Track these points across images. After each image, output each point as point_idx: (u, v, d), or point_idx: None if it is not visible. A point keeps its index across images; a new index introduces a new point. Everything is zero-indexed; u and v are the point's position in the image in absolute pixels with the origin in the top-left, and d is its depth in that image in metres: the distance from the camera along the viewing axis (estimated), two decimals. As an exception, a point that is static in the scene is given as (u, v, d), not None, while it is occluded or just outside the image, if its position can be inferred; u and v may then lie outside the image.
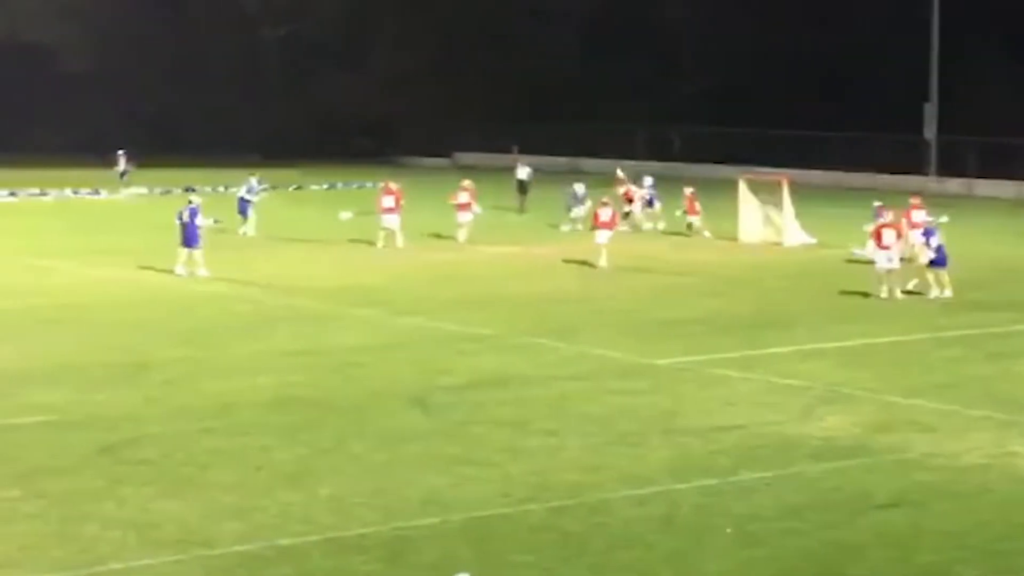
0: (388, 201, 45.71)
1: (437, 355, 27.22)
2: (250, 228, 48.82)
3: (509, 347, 28.06)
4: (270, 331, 29.88)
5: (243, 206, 49.23)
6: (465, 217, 47.90)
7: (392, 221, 45.52)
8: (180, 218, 38.04)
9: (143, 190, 70.14)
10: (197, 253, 37.85)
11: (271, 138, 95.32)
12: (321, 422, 21.61)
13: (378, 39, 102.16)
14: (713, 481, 18.49)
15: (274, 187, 71.64)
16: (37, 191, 69.55)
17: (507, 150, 78.92)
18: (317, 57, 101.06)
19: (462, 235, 47.23)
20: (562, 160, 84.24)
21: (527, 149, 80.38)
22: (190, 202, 38.92)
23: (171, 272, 37.68)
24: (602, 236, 40.46)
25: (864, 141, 75.46)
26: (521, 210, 57.78)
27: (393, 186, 46.24)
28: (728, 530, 16.43)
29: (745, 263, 41.11)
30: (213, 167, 77.66)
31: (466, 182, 49.81)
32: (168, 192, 68.82)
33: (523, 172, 60.35)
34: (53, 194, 68.78)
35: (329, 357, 26.86)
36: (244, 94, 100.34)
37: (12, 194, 68.64)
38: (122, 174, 71.68)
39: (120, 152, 72.48)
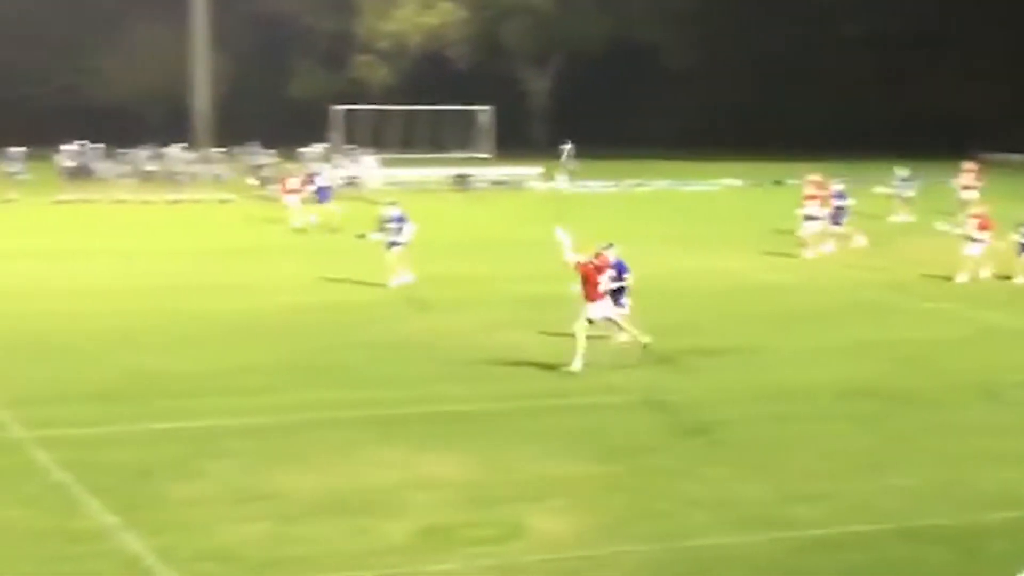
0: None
1: (1009, 351, 26.25)
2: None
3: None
4: (842, 321, 29.57)
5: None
6: (292, 200, 47.32)
7: (813, 227, 40.35)
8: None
9: (736, 182, 70.78)
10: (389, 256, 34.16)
11: (855, 133, 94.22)
12: (895, 413, 21.16)
13: (957, 36, 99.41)
14: None
15: (856, 181, 70.83)
16: (638, 181, 71.36)
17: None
18: (901, 54, 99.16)
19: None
20: None
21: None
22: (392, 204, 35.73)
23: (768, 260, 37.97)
24: None
25: None
26: None
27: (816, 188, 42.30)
28: None
29: None
30: (793, 161, 77.58)
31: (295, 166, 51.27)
32: (758, 185, 69.25)
33: None
34: (653, 185, 70.37)
35: (903, 348, 26.31)
36: (828, 89, 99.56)
37: (616, 184, 70.74)
38: (569, 169, 71.94)
39: (566, 146, 72.69)
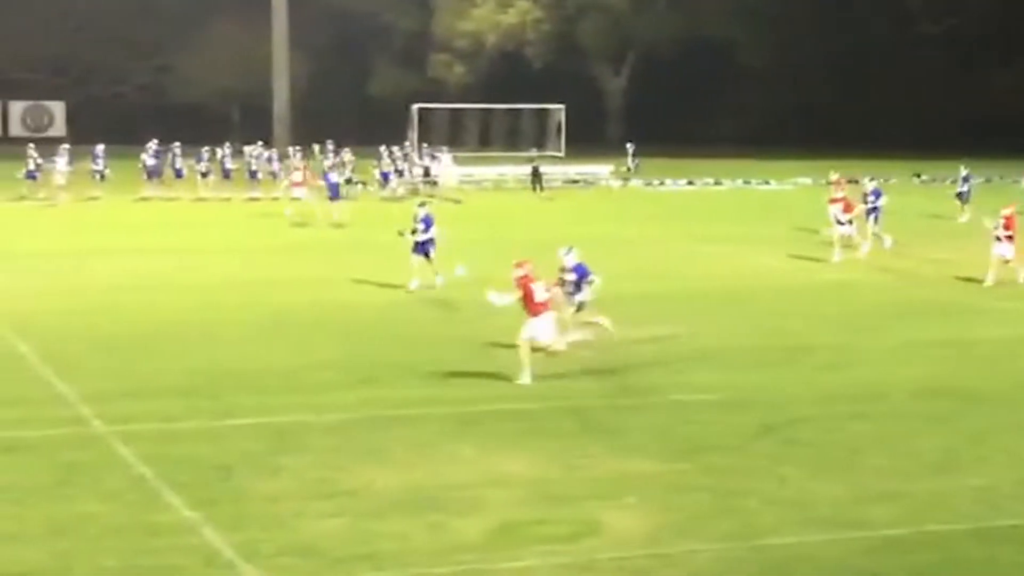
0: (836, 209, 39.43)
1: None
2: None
3: None
4: (912, 320, 29.37)
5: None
6: (300, 192, 49.40)
7: (843, 231, 39.12)
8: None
9: (808, 180, 70.39)
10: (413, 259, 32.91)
11: (927, 131, 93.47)
12: (969, 412, 20.96)
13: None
14: None
15: (932, 180, 70.44)
16: (712, 180, 71.18)
17: None
18: (975, 52, 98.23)
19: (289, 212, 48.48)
20: None
21: None
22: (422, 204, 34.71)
23: (817, 261, 37.93)
24: None
25: None
26: None
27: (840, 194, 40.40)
28: None
29: None
30: (868, 159, 77.12)
31: (294, 160, 53.65)
32: (831, 183, 68.79)
33: None
34: (727, 184, 70.15)
35: (976, 348, 26.08)
36: (902, 88, 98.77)
37: (690, 183, 70.58)
38: (630, 168, 71.94)
39: (629, 145, 72.71)
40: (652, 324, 28.27)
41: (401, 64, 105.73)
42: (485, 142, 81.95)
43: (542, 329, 22.41)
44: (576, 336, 24.04)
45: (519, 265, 22.79)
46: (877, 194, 41.38)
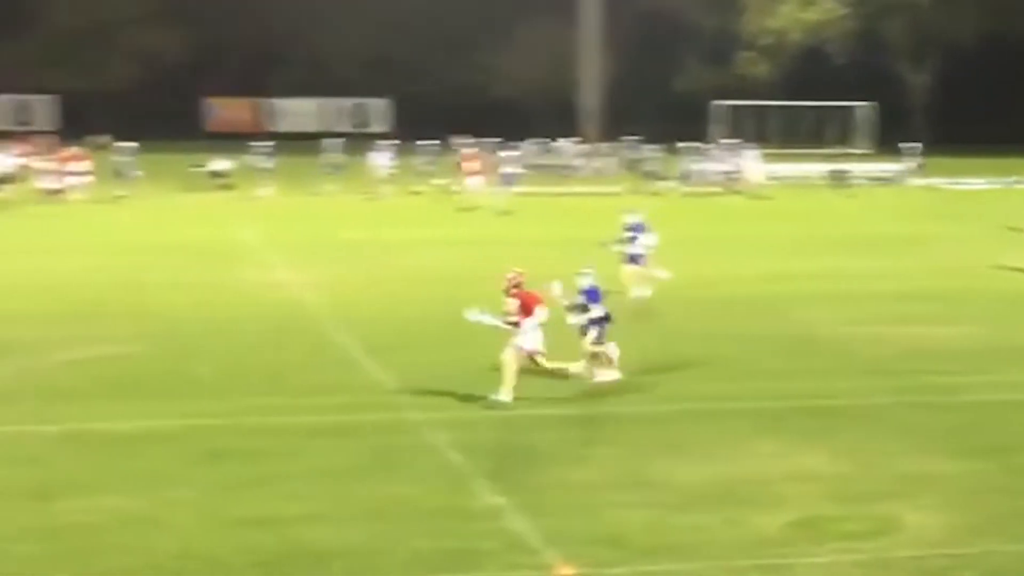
0: None
1: None
2: None
3: None
4: None
5: None
6: (474, 182, 50.42)
7: None
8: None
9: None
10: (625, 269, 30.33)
11: None
12: None
13: None
14: None
15: None
16: (1015, 179, 69.17)
17: None
18: None
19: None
20: None
21: None
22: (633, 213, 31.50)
23: None
24: None
25: None
26: None
27: None
28: None
29: None
30: None
31: (467, 150, 53.47)
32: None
33: None
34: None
35: None
36: None
37: (992, 182, 68.61)
38: (920, 166, 69.41)
39: (913, 145, 70.15)
40: (937, 324, 27.66)
41: (706, 61, 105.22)
42: (789, 139, 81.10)
43: (532, 339, 21.02)
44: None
45: (511, 278, 21.45)
46: None
